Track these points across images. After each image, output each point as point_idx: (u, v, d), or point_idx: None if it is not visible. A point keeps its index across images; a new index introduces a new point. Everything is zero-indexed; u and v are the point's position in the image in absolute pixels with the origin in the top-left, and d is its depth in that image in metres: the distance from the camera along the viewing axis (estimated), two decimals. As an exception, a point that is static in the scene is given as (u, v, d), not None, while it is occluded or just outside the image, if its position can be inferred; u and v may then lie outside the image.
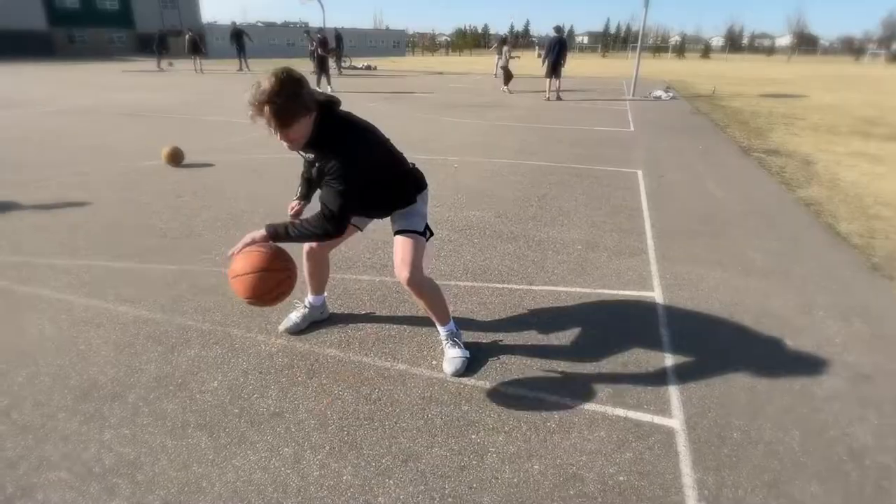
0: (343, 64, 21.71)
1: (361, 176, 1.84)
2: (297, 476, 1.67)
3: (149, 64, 23.44)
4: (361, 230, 2.32)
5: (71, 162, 5.68)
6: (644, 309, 2.76)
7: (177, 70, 21.01)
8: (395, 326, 2.55)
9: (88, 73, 20.14)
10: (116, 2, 40.99)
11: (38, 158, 5.90)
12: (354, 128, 1.90)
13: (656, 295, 2.90)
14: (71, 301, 2.72)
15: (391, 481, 1.66)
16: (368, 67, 24.11)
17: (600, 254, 3.43)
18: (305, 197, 2.30)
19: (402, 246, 2.06)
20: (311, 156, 1.93)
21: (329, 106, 1.84)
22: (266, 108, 1.65)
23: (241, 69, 20.69)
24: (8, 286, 2.87)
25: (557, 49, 11.99)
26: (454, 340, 2.23)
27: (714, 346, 2.42)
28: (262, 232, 1.91)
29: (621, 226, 3.96)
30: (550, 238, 3.70)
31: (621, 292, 2.92)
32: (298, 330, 2.46)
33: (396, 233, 2.10)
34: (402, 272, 2.04)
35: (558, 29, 12.54)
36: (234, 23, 23.51)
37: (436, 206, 4.17)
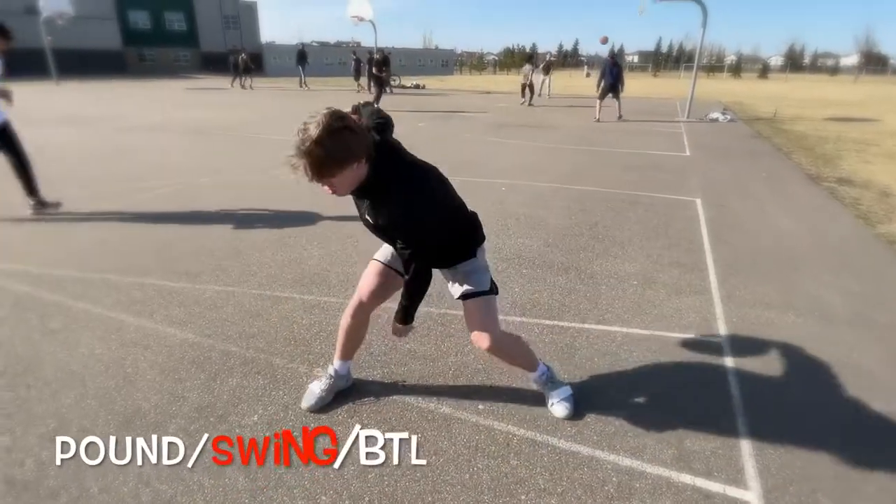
0: (393, 83, 22.49)
1: (432, 214, 1.71)
2: (333, 531, 1.57)
3: (209, 81, 24.80)
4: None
5: (135, 178, 5.93)
6: (709, 357, 2.54)
7: (234, 88, 22.05)
8: (440, 363, 2.43)
9: (156, 90, 21.38)
10: (184, 23, 43.60)
11: (105, 174, 6.20)
12: (414, 166, 1.74)
13: (722, 341, 2.67)
14: (122, 320, 2.76)
15: (433, 544, 1.53)
16: (417, 86, 24.48)
17: (658, 291, 3.22)
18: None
19: (474, 312, 1.91)
20: (363, 203, 1.75)
21: (384, 142, 1.67)
22: (304, 161, 1.48)
23: (301, 86, 22.10)
24: (64, 301, 2.95)
25: (615, 72, 12.11)
26: (548, 382, 2.12)
27: (792, 405, 2.18)
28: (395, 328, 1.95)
29: (680, 260, 3.72)
30: (604, 271, 3.51)
31: (683, 336, 2.71)
32: (324, 405, 2.11)
33: (463, 297, 1.92)
34: (481, 342, 1.91)
35: (612, 55, 12.83)
36: (301, 43, 24.99)
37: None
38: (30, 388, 2.20)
